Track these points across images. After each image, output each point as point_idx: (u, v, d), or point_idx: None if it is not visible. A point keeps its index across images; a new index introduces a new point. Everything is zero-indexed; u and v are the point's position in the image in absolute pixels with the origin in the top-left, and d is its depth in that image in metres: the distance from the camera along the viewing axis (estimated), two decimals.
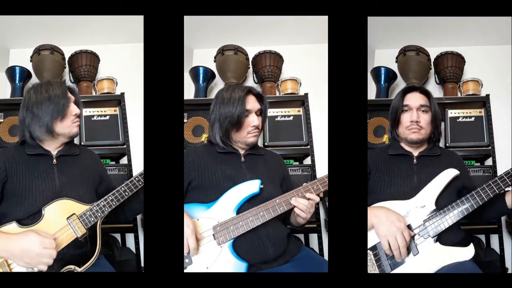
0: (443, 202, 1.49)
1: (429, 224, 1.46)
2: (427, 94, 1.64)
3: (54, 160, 1.52)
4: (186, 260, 1.41)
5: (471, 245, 1.44)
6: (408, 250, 1.43)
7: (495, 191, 1.46)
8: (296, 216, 1.52)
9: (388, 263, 1.45)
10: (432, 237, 1.45)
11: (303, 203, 1.46)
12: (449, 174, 1.52)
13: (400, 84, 2.65)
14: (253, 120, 1.58)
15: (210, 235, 1.45)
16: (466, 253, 1.43)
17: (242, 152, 1.61)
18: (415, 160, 1.59)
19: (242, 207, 1.47)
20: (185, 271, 1.40)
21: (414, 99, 1.62)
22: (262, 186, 1.50)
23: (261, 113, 1.63)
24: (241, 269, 1.41)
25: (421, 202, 1.49)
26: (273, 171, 1.64)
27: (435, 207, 1.48)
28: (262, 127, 1.65)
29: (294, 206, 1.47)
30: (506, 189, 1.49)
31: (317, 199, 1.48)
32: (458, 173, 1.52)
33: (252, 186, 1.50)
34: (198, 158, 1.57)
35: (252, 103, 1.60)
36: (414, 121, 1.58)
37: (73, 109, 1.53)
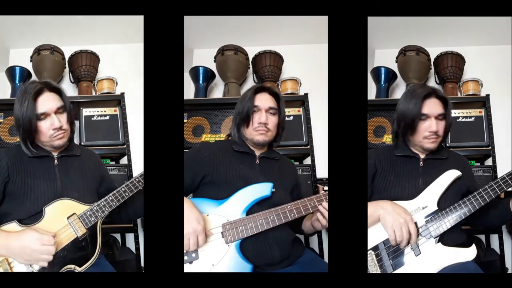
0: (445, 203, 1.49)
1: (431, 225, 1.45)
2: (445, 100, 1.56)
3: (56, 161, 1.51)
4: (193, 255, 1.42)
5: (473, 246, 1.44)
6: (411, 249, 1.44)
7: (491, 196, 1.45)
8: (315, 221, 1.53)
9: (390, 263, 1.45)
10: (434, 238, 1.44)
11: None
12: (451, 175, 1.51)
13: (400, 84, 2.65)
14: (260, 117, 1.58)
15: (219, 233, 1.45)
16: (468, 253, 1.43)
17: (257, 154, 1.62)
18: (421, 163, 1.57)
19: (252, 209, 1.48)
20: (191, 266, 1.41)
21: (433, 108, 1.53)
22: (273, 190, 1.51)
23: (276, 113, 1.61)
24: (246, 270, 1.41)
25: (424, 203, 1.48)
26: (286, 177, 1.64)
27: (437, 208, 1.47)
28: (280, 128, 1.63)
29: (318, 212, 1.48)
30: None
31: None
32: (460, 174, 1.51)
33: (264, 189, 1.50)
34: (214, 154, 1.57)
35: (262, 101, 1.60)
36: (433, 131, 1.52)
37: (49, 123, 1.44)
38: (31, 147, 1.47)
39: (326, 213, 1.46)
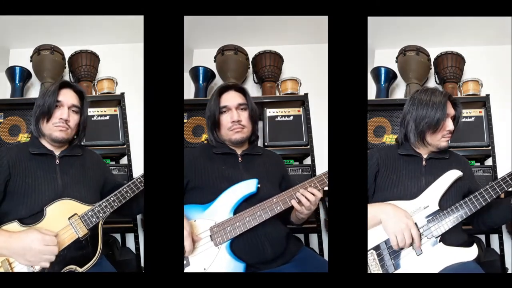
0: (446, 203, 1.49)
1: (433, 225, 1.45)
2: (455, 103, 1.61)
3: (57, 160, 1.52)
4: (184, 262, 1.41)
5: (474, 245, 1.44)
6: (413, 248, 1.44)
7: (492, 196, 1.45)
8: (295, 211, 1.52)
9: (392, 263, 1.45)
10: (436, 237, 1.45)
11: (308, 197, 1.44)
12: (453, 175, 1.52)
13: (400, 84, 2.65)
14: (232, 116, 1.57)
15: (207, 236, 1.44)
16: (469, 253, 1.43)
17: (239, 152, 1.61)
18: (424, 162, 1.58)
19: (240, 207, 1.47)
20: None
21: (451, 108, 1.58)
22: (259, 186, 1.50)
23: (247, 108, 1.60)
24: (239, 269, 1.41)
25: (425, 203, 1.48)
26: (271, 170, 1.63)
27: (438, 208, 1.47)
28: (253, 122, 1.62)
29: (298, 201, 1.46)
30: None
31: (320, 194, 1.47)
32: (461, 174, 1.52)
33: (248, 186, 1.49)
34: (195, 159, 1.56)
35: (230, 99, 1.59)
36: (451, 130, 1.56)
37: (59, 113, 1.50)
38: (37, 131, 1.52)
39: (303, 199, 1.45)
